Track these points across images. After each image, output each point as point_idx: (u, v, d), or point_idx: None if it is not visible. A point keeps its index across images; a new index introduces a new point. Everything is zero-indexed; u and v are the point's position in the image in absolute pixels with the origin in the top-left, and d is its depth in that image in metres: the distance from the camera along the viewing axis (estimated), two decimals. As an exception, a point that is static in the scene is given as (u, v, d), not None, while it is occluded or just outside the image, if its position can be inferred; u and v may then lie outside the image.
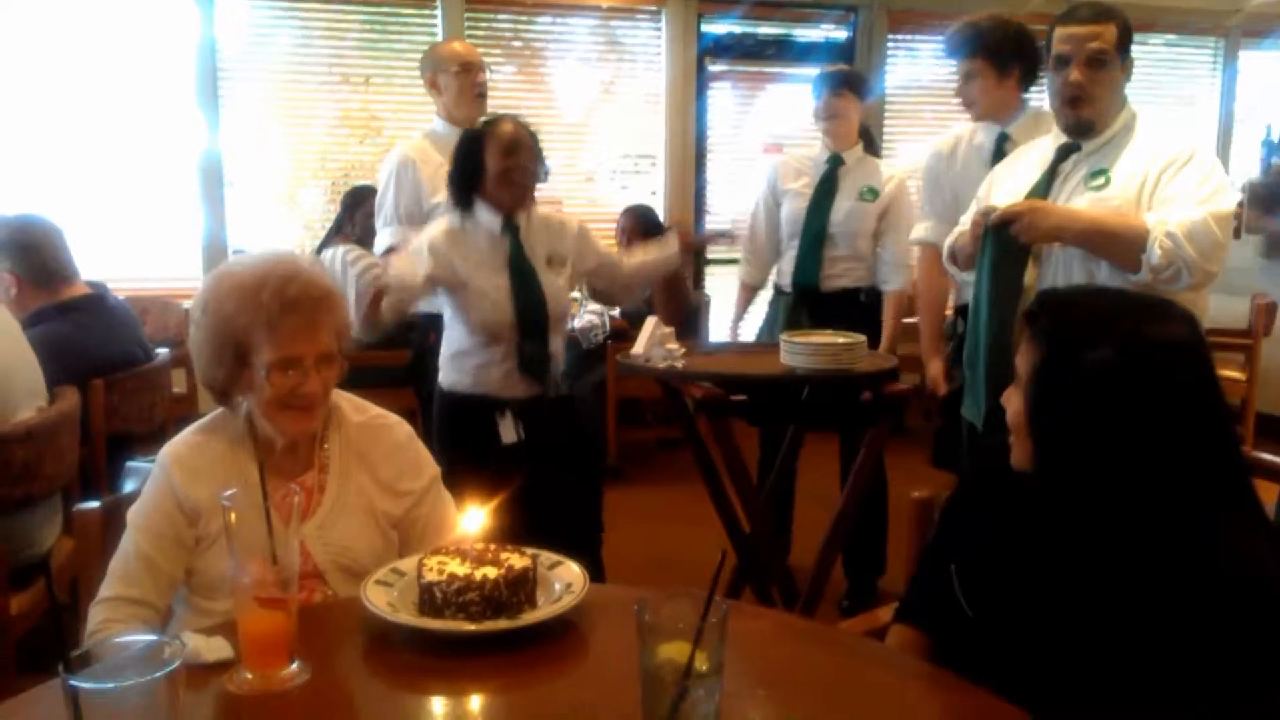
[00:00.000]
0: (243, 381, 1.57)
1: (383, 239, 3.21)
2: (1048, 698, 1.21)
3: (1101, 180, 2.22)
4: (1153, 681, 1.26)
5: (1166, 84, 6.68)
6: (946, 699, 1.24)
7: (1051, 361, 1.33)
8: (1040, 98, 2.63)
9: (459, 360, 2.73)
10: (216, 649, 1.22)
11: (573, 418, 2.81)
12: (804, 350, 2.59)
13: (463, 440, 2.71)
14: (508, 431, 2.67)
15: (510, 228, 2.64)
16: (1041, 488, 1.38)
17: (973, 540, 1.48)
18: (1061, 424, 1.33)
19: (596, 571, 2.72)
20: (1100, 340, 1.29)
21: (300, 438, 1.62)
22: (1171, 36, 6.61)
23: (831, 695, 1.23)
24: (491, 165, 2.60)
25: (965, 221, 2.37)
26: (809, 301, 3.38)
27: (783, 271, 3.44)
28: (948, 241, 2.49)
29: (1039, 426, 1.36)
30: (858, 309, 3.36)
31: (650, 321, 2.69)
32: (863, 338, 2.71)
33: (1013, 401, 1.41)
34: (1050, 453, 1.35)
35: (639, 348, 2.66)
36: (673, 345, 2.63)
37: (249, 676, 1.19)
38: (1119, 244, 2.12)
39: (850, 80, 3.38)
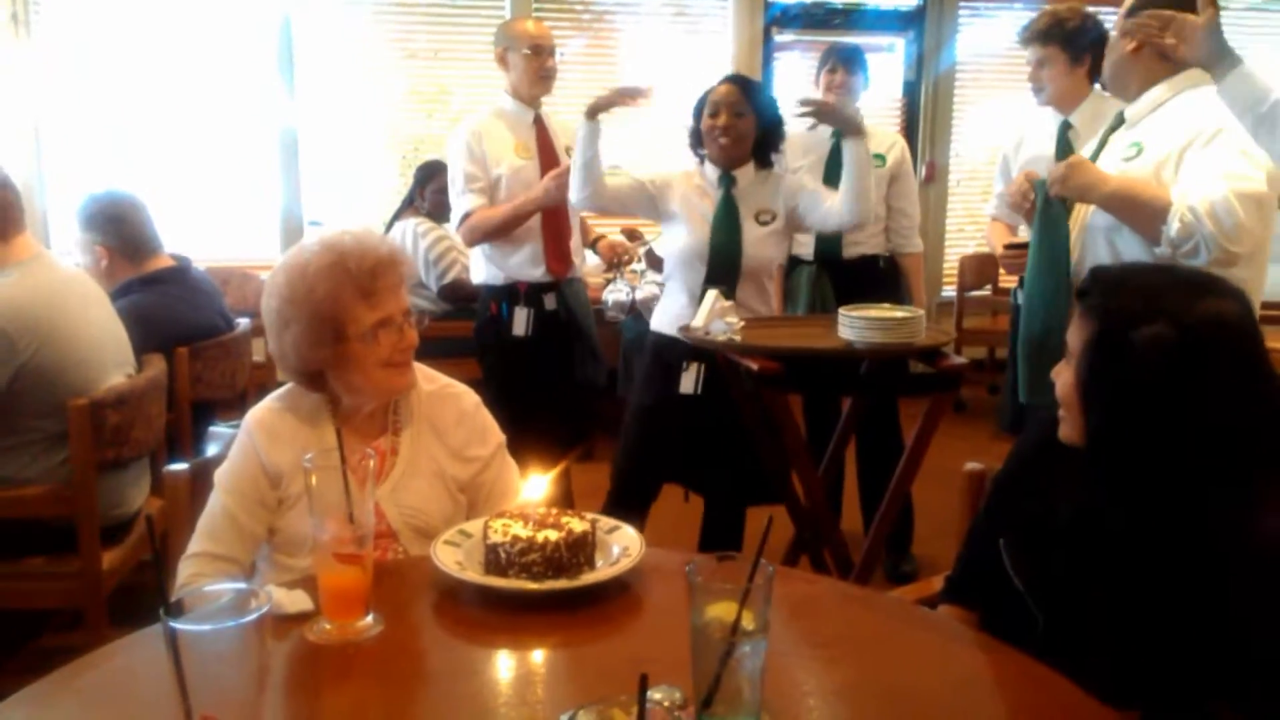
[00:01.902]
0: (341, 357, 1.64)
1: (460, 207, 3.29)
2: (1099, 670, 1.23)
3: (1134, 152, 2.26)
4: (1207, 652, 1.28)
5: (1248, 49, 6.46)
6: (995, 666, 1.27)
7: (1103, 337, 1.35)
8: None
9: (664, 304, 3.00)
10: (298, 601, 1.30)
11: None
12: (863, 324, 2.60)
13: (653, 381, 2.94)
14: (687, 381, 2.83)
15: (725, 181, 2.87)
16: (1091, 461, 1.40)
17: (1023, 514, 1.51)
18: (1112, 398, 1.35)
19: (732, 537, 2.88)
20: (1151, 316, 1.31)
21: (402, 393, 1.72)
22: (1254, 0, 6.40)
23: (879, 658, 1.28)
24: (702, 124, 2.87)
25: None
26: (831, 270, 3.51)
27: (801, 242, 3.50)
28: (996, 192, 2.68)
29: (1089, 401, 1.38)
30: (878, 275, 3.51)
31: (711, 294, 2.72)
32: (921, 311, 2.73)
33: (1063, 376, 1.43)
34: (1100, 427, 1.37)
35: (699, 320, 2.69)
36: (732, 318, 2.67)
37: (328, 627, 1.27)
38: (1142, 213, 2.15)
39: (850, 57, 3.53)
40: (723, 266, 2.85)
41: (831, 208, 2.85)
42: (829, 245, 3.49)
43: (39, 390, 2.24)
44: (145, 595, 2.40)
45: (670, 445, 2.93)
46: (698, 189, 2.91)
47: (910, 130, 6.18)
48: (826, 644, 1.31)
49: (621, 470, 3.04)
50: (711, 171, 2.91)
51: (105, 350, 2.45)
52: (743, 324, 2.69)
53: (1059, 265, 2.31)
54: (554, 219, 3.30)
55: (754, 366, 2.56)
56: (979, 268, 5.88)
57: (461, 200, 3.28)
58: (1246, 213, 2.03)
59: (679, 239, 2.91)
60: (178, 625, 0.84)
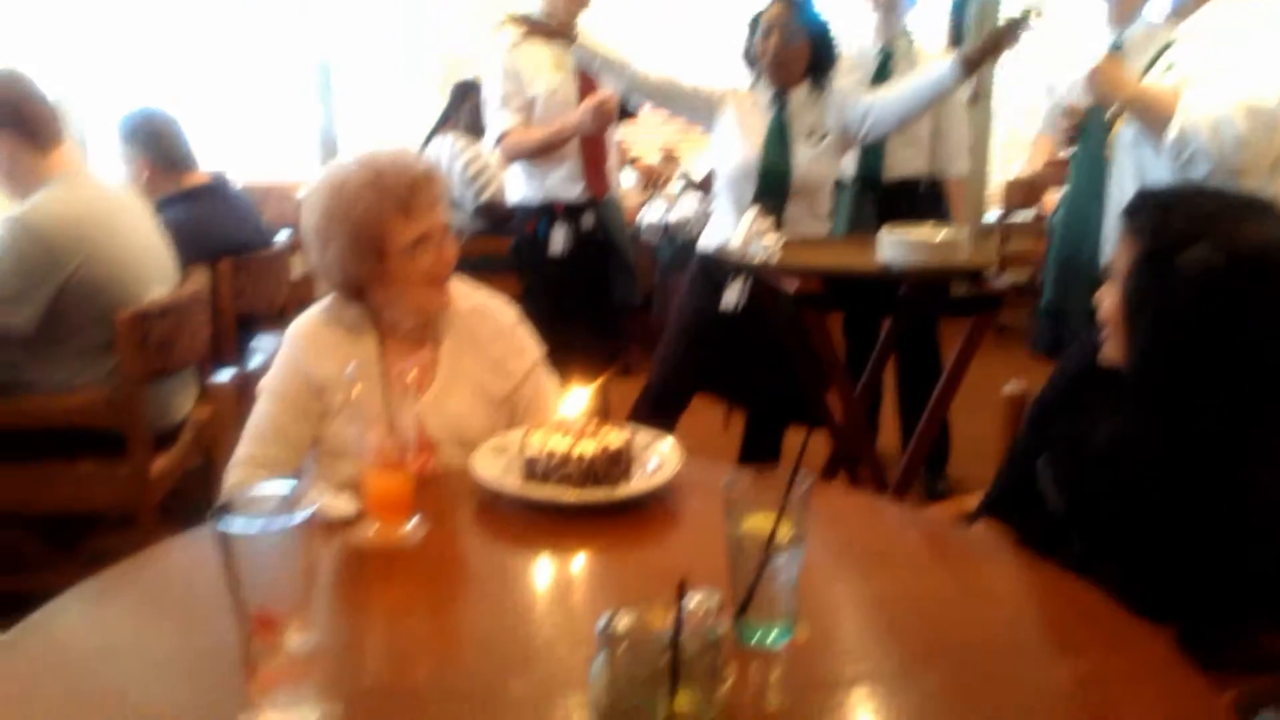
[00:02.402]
0: (381, 273, 1.66)
1: (496, 126, 3.27)
2: (1135, 589, 1.24)
3: (1166, 67, 2.31)
4: (1245, 569, 1.29)
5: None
6: (1030, 579, 1.28)
7: (1148, 258, 1.33)
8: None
9: (714, 220, 3.00)
10: (344, 506, 1.34)
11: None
12: (903, 245, 2.57)
13: (698, 294, 2.96)
14: (730, 296, 2.84)
15: (777, 100, 2.85)
16: (1133, 383, 1.39)
17: (1062, 434, 1.50)
18: (1155, 320, 1.33)
19: (771, 454, 2.93)
20: (1198, 239, 1.28)
21: (441, 310, 1.73)
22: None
23: (913, 570, 1.29)
24: (757, 46, 2.85)
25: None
26: (872, 193, 3.46)
27: (842, 164, 3.45)
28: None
29: (1133, 322, 1.36)
30: (920, 198, 3.46)
31: (750, 213, 2.70)
32: (964, 232, 2.69)
33: (1108, 297, 1.41)
34: (1143, 349, 1.36)
35: (737, 240, 2.68)
36: (770, 239, 2.64)
37: (372, 531, 1.31)
38: (1151, 115, 2.24)
39: None
40: (772, 186, 2.83)
41: (880, 107, 2.83)
42: (870, 167, 3.44)
43: (86, 301, 2.28)
44: (194, 500, 2.49)
45: (709, 357, 2.95)
46: (751, 107, 2.89)
47: (957, 49, 6.00)
48: (861, 556, 1.32)
49: (657, 376, 3.07)
50: (764, 90, 2.88)
51: (149, 263, 2.48)
52: (782, 244, 2.66)
53: (1093, 182, 2.38)
54: (592, 139, 3.27)
55: (792, 287, 2.54)
56: (1024, 191, 5.77)
57: (497, 119, 3.26)
58: (1252, 127, 2.08)
59: (729, 157, 2.88)
60: (227, 527, 0.86)
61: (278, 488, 0.95)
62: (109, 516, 2.52)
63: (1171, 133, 2.15)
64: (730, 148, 2.88)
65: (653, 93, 2.95)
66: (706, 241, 3.01)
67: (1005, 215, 5.75)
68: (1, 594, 1.80)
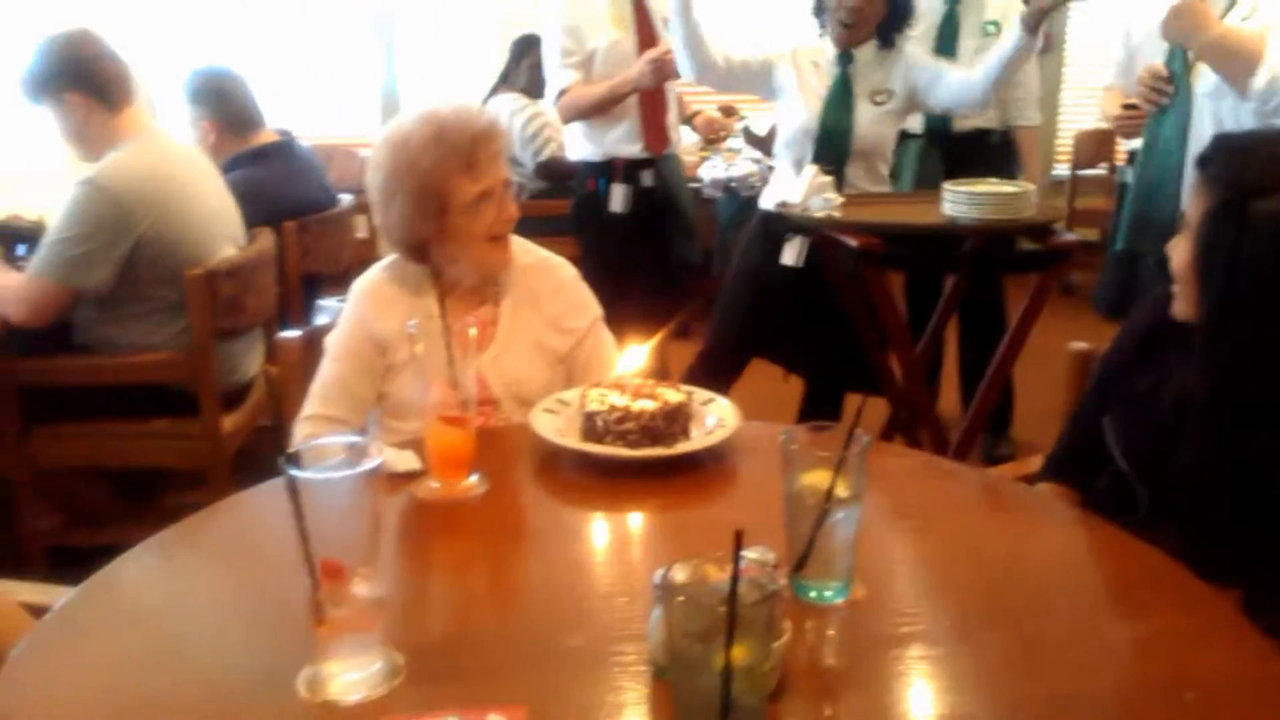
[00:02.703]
0: (444, 229, 1.67)
1: (555, 83, 3.26)
2: (1200, 549, 1.21)
3: (1250, 10, 2.26)
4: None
5: None
6: (1092, 541, 1.26)
7: (1222, 208, 1.29)
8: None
9: (774, 179, 2.94)
10: (407, 461, 1.36)
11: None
12: (969, 200, 2.52)
13: (756, 252, 2.93)
14: (789, 253, 2.81)
15: (842, 59, 2.79)
16: (1204, 338, 1.35)
17: (1130, 392, 1.47)
18: (1228, 272, 1.29)
19: (829, 418, 2.91)
20: (1273, 188, 1.24)
21: (503, 267, 1.74)
22: None
23: (972, 530, 1.28)
24: (828, 2, 2.77)
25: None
26: (941, 144, 3.38)
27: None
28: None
29: (1205, 274, 1.32)
30: (990, 150, 3.37)
31: (809, 169, 2.66)
32: (1031, 186, 2.64)
33: (1179, 249, 1.37)
34: (1215, 302, 1.32)
35: (797, 196, 2.65)
36: (831, 194, 2.61)
37: (435, 485, 1.33)
38: (1238, 63, 2.15)
39: None
40: (832, 146, 2.78)
41: (959, 87, 2.74)
42: (939, 117, 3.35)
43: (158, 260, 2.34)
44: (263, 458, 2.55)
45: (767, 319, 2.93)
46: (813, 64, 2.82)
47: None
48: (918, 515, 1.32)
49: (713, 338, 3.05)
50: (829, 47, 2.81)
51: (217, 223, 2.53)
52: (843, 200, 2.63)
53: (1170, 132, 2.33)
54: (652, 95, 3.24)
55: (853, 243, 2.51)
56: (1095, 144, 5.60)
57: (557, 75, 3.25)
58: None
59: (791, 116, 2.84)
60: (298, 474, 0.88)
61: (345, 439, 0.97)
62: (182, 473, 2.60)
63: (1259, 80, 2.07)
64: (791, 105, 2.83)
65: (723, 75, 2.86)
66: (767, 199, 2.98)
67: (1075, 169, 5.59)
68: (79, 548, 1.89)
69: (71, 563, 1.26)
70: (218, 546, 1.29)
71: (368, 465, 0.90)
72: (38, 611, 1.16)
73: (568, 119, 3.34)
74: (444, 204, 1.65)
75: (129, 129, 2.40)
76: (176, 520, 1.28)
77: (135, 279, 2.34)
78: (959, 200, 2.53)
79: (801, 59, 2.84)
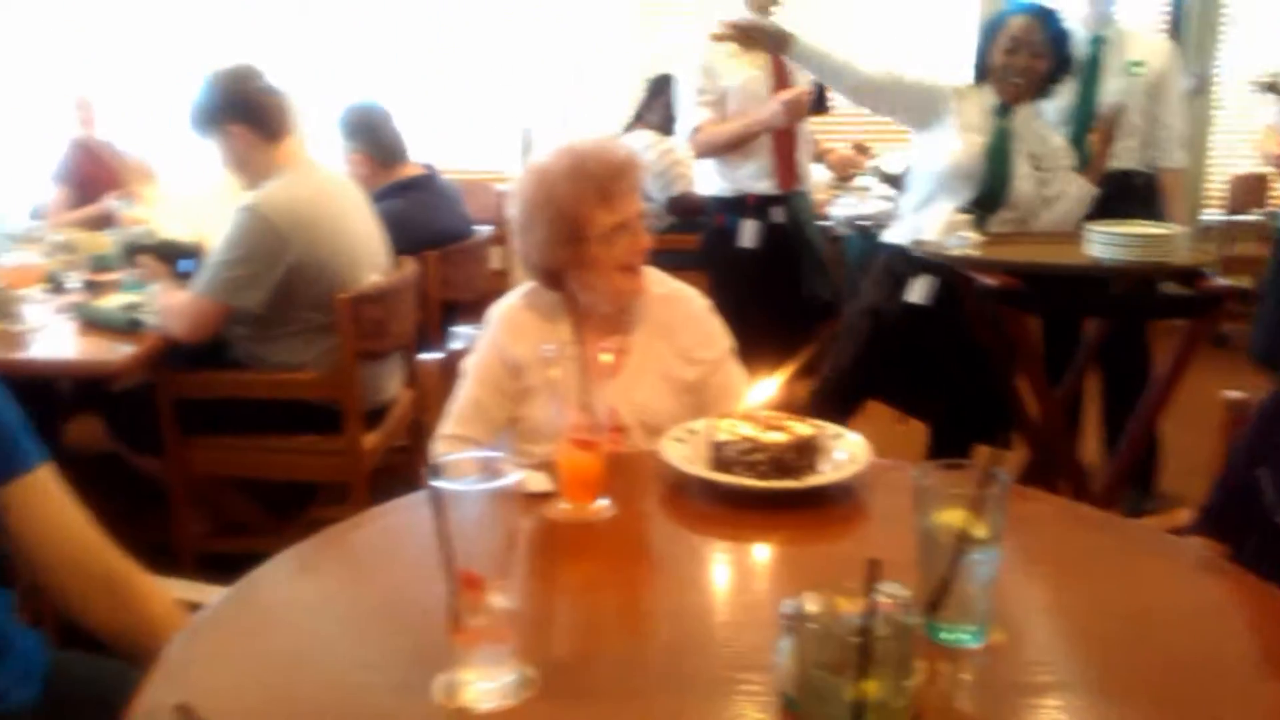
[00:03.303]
0: (580, 258, 1.72)
1: (689, 120, 3.30)
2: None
3: None
4: None
5: None
6: (1246, 598, 1.19)
7: None
8: None
9: (903, 216, 2.92)
10: (540, 482, 1.39)
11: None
12: (1116, 241, 2.44)
13: (879, 291, 2.91)
14: (916, 291, 2.79)
15: (1002, 110, 2.77)
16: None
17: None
18: None
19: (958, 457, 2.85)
20: None
21: (635, 297, 1.78)
22: None
23: (1117, 581, 1.22)
24: (994, 58, 2.75)
25: None
26: None
27: None
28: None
29: None
30: (1133, 191, 3.25)
31: (948, 207, 2.62)
32: (1181, 228, 2.53)
33: None
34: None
35: (934, 233, 2.61)
36: (968, 232, 2.56)
37: (565, 506, 1.36)
38: None
39: None
40: (986, 195, 2.74)
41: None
42: (1082, 157, 3.26)
43: (309, 284, 2.46)
44: (400, 475, 2.64)
45: (884, 359, 2.88)
46: (974, 108, 2.79)
47: (1176, 35, 5.62)
48: (1060, 562, 1.27)
49: (829, 378, 3.02)
50: (989, 98, 2.78)
51: (366, 250, 2.65)
52: (981, 239, 2.58)
53: None
54: (783, 132, 3.26)
55: (992, 283, 2.45)
56: (1250, 188, 5.34)
57: (691, 113, 3.29)
58: None
59: (945, 156, 2.80)
60: (440, 485, 0.91)
61: (483, 454, 1.00)
62: (324, 488, 2.72)
63: None
64: (946, 146, 2.79)
65: (876, 93, 2.87)
66: (892, 235, 2.94)
67: (1229, 214, 5.33)
68: (226, 555, 1.99)
69: (219, 567, 1.33)
70: (358, 556, 1.33)
71: (507, 480, 0.93)
72: (191, 609, 1.22)
73: (701, 155, 3.38)
74: (580, 233, 1.69)
75: (287, 159, 2.54)
76: (318, 532, 1.34)
77: (288, 301, 2.46)
78: (1105, 241, 2.45)
79: (964, 98, 2.80)
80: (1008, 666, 1.02)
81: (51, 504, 1.23)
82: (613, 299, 1.77)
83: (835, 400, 2.95)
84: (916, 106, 2.86)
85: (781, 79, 3.23)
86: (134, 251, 2.84)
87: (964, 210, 2.67)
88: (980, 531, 1.03)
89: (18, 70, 4.88)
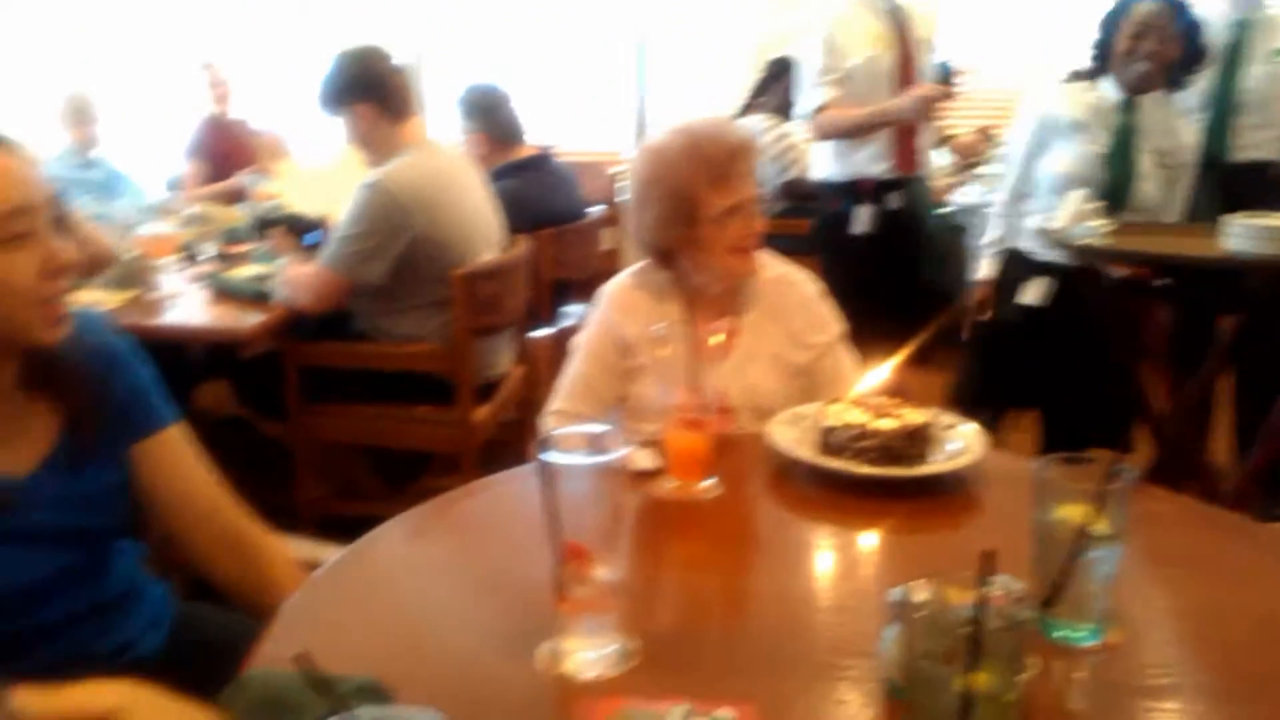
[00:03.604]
0: (692, 239, 1.72)
1: (812, 100, 3.25)
2: None
3: None
4: None
5: None
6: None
7: None
8: None
9: (1026, 213, 2.81)
10: (647, 459, 1.40)
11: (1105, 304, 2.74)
12: (1259, 234, 2.31)
13: (1003, 297, 2.83)
14: (1031, 293, 2.70)
15: (1125, 106, 2.66)
16: None
17: None
18: None
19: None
20: None
21: (746, 279, 1.77)
22: None
23: (1248, 584, 1.16)
24: (1119, 44, 2.64)
25: None
26: (1214, 174, 3.09)
27: None
28: None
29: None
30: (1266, 184, 3.06)
31: (1076, 194, 2.53)
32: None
33: None
34: None
35: (1060, 221, 2.51)
36: (1098, 221, 2.46)
37: (671, 485, 1.36)
38: None
39: None
40: (1107, 198, 2.62)
41: None
42: (1216, 145, 3.10)
43: (428, 259, 2.52)
44: (509, 448, 2.69)
45: (1011, 366, 2.79)
46: (1091, 108, 2.68)
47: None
48: (1184, 563, 1.21)
49: (961, 393, 2.94)
50: (1111, 92, 2.66)
51: (482, 228, 2.70)
52: (1111, 228, 2.47)
53: None
54: None
55: (1122, 274, 2.35)
56: None
57: (813, 93, 3.23)
58: None
59: (1059, 160, 2.70)
60: (550, 458, 0.92)
61: (593, 428, 1.01)
62: (437, 458, 2.79)
63: None
64: (1063, 148, 2.69)
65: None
66: (993, 235, 2.87)
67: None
68: (344, 517, 2.06)
69: (337, 529, 1.37)
70: (468, 524, 1.37)
71: (614, 454, 0.93)
72: (309, 567, 1.27)
73: (823, 137, 3.31)
74: (692, 214, 1.69)
75: (410, 138, 2.61)
76: (430, 500, 1.37)
77: (408, 275, 2.53)
78: (1243, 233, 2.32)
79: (1079, 100, 2.69)
80: (1124, 667, 0.99)
81: (182, 461, 1.29)
82: (724, 280, 1.76)
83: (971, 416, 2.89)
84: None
85: (907, 60, 3.15)
86: (264, 225, 2.95)
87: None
88: (1101, 527, 0.99)
89: (156, 47, 5.11)
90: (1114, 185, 2.62)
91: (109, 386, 1.20)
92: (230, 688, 0.90)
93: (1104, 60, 2.68)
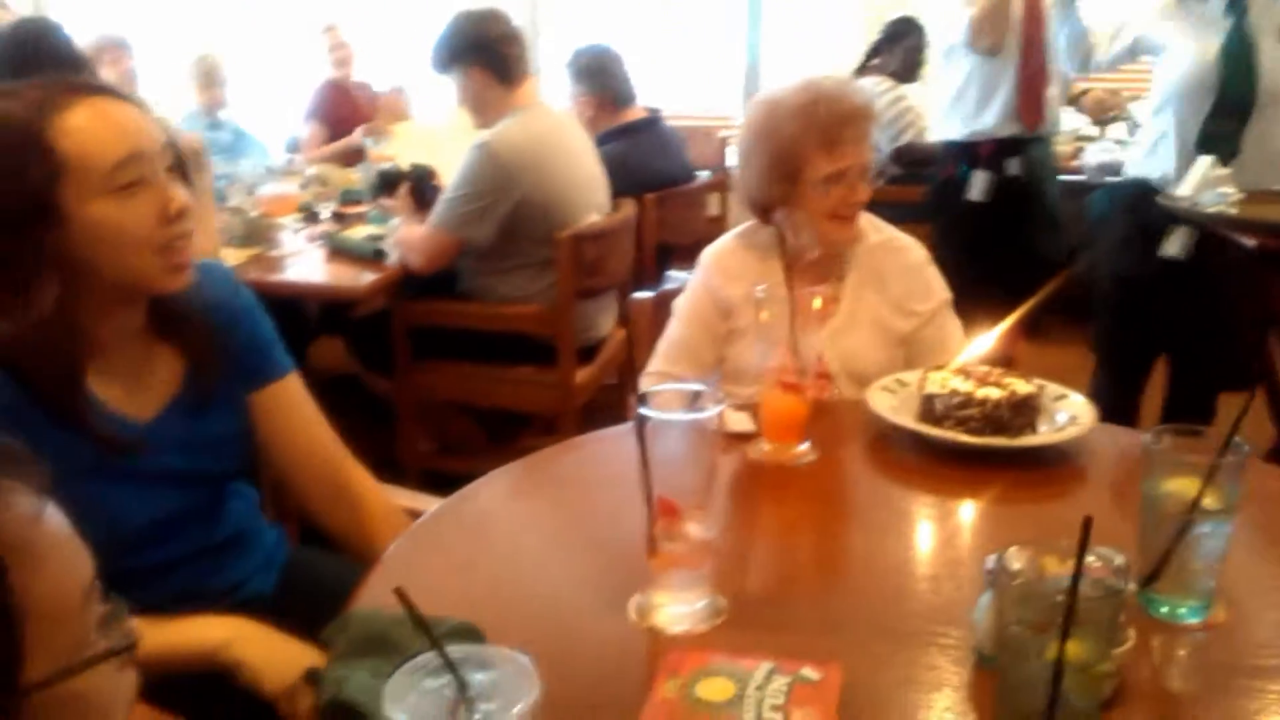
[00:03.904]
0: (792, 198, 1.70)
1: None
2: None
3: None
4: None
5: None
6: None
7: None
8: None
9: (1149, 145, 2.69)
10: (742, 422, 1.40)
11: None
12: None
13: (1130, 245, 2.73)
14: (1172, 244, 2.58)
15: (1232, 7, 2.52)
16: None
17: None
18: None
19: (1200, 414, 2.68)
20: None
21: (844, 246, 1.74)
22: None
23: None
24: None
25: None
26: None
27: None
28: None
29: None
30: None
31: (1204, 161, 2.40)
32: None
33: None
34: None
35: (1185, 188, 2.39)
36: (1227, 188, 2.34)
37: (767, 448, 1.36)
38: None
39: None
40: (1232, 99, 2.47)
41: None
42: None
43: (534, 220, 2.55)
44: (608, 411, 2.72)
45: (1155, 315, 2.69)
46: (1197, 6, 2.54)
47: None
48: (1302, 545, 1.16)
49: (1105, 349, 2.85)
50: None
51: (587, 190, 2.72)
52: (1242, 195, 2.35)
53: None
54: (1031, 63, 3.03)
55: (1251, 243, 2.24)
56: None
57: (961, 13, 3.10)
58: None
59: (1176, 66, 2.55)
60: (647, 412, 0.93)
61: (690, 386, 1.01)
62: (537, 418, 2.83)
63: None
64: (1176, 54, 2.55)
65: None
66: (1138, 169, 2.72)
67: None
68: (446, 472, 2.12)
69: (439, 483, 1.42)
70: (565, 478, 1.39)
71: (710, 413, 0.94)
72: (412, 516, 1.31)
73: (976, 37, 3.12)
74: (795, 173, 1.67)
75: (520, 101, 2.63)
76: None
77: (514, 236, 2.57)
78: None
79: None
80: (1228, 647, 0.95)
81: (297, 411, 1.34)
82: (820, 243, 1.73)
83: (1119, 371, 2.80)
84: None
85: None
86: (392, 181, 2.99)
87: (1217, 121, 2.43)
88: (1211, 502, 0.96)
89: (282, 10, 5.26)
90: (1237, 85, 2.47)
91: (231, 336, 1.25)
92: (332, 625, 0.94)
93: None
